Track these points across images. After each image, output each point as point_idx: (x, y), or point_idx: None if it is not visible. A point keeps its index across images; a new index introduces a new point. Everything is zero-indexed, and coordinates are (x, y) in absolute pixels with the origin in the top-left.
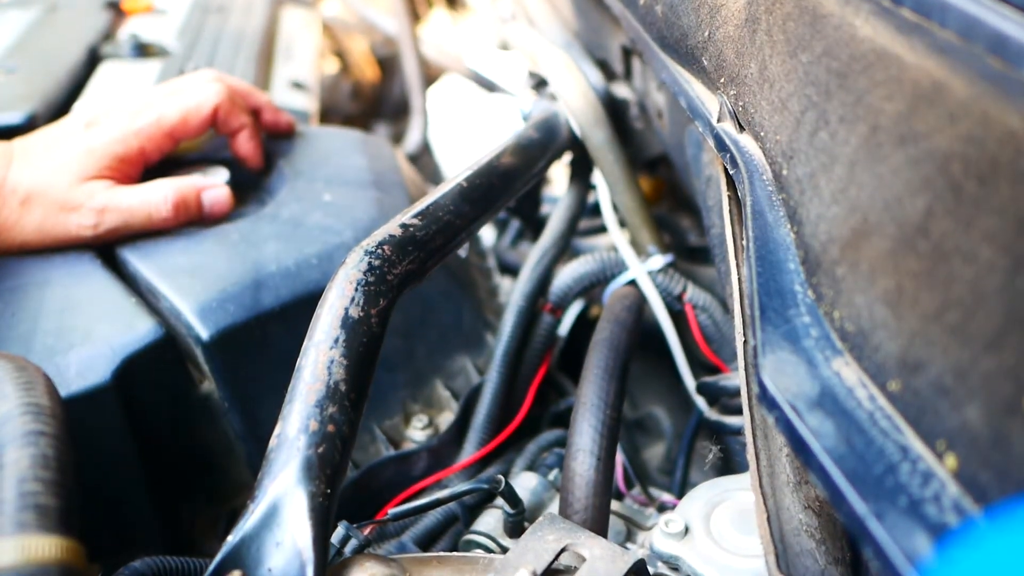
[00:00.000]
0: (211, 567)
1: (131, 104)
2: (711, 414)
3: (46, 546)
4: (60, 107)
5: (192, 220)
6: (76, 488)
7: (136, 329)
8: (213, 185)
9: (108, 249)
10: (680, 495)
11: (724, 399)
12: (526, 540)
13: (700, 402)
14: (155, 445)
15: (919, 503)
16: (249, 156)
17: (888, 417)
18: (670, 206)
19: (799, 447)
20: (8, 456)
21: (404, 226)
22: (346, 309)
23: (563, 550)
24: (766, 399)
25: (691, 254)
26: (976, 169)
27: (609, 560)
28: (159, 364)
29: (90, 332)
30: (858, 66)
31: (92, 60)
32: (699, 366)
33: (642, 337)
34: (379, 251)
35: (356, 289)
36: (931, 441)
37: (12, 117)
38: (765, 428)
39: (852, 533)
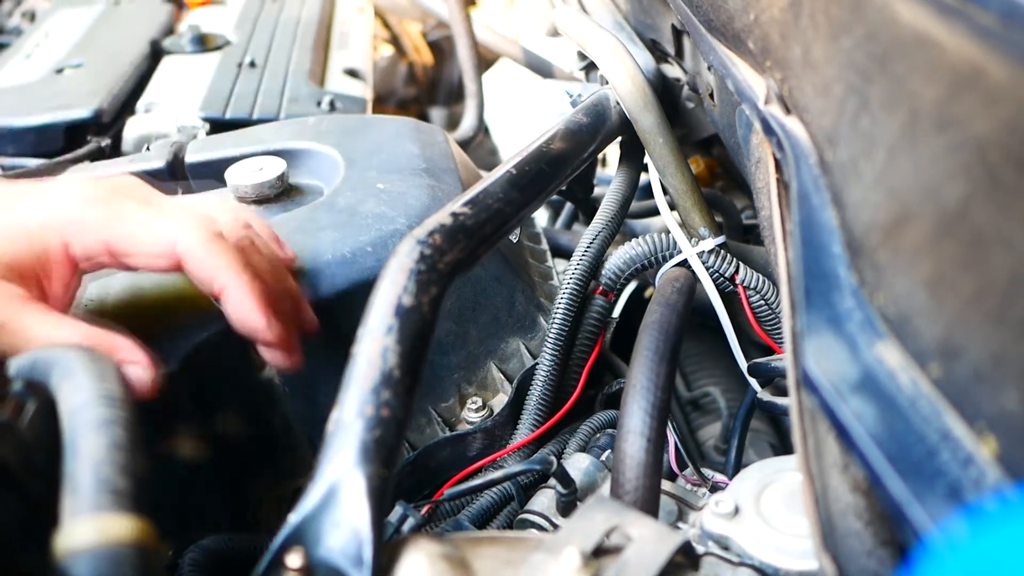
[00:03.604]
0: (274, 545)
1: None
2: (764, 394)
3: (121, 527)
4: (125, 101)
5: None
6: (147, 472)
7: (202, 318)
8: (132, 359)
9: None
10: (733, 475)
11: (777, 379)
12: (575, 520)
13: (753, 383)
14: (222, 428)
15: (959, 487)
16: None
17: (930, 402)
18: (724, 185)
19: (840, 430)
20: (84, 443)
21: (454, 215)
22: (399, 298)
23: (612, 530)
24: (808, 383)
25: (746, 233)
26: (1014, 155)
27: (656, 540)
28: (224, 351)
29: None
30: (898, 50)
31: (155, 54)
32: (753, 346)
33: (697, 317)
34: (430, 240)
35: (408, 278)
36: (972, 425)
37: (79, 112)
38: (812, 411)
39: (892, 516)
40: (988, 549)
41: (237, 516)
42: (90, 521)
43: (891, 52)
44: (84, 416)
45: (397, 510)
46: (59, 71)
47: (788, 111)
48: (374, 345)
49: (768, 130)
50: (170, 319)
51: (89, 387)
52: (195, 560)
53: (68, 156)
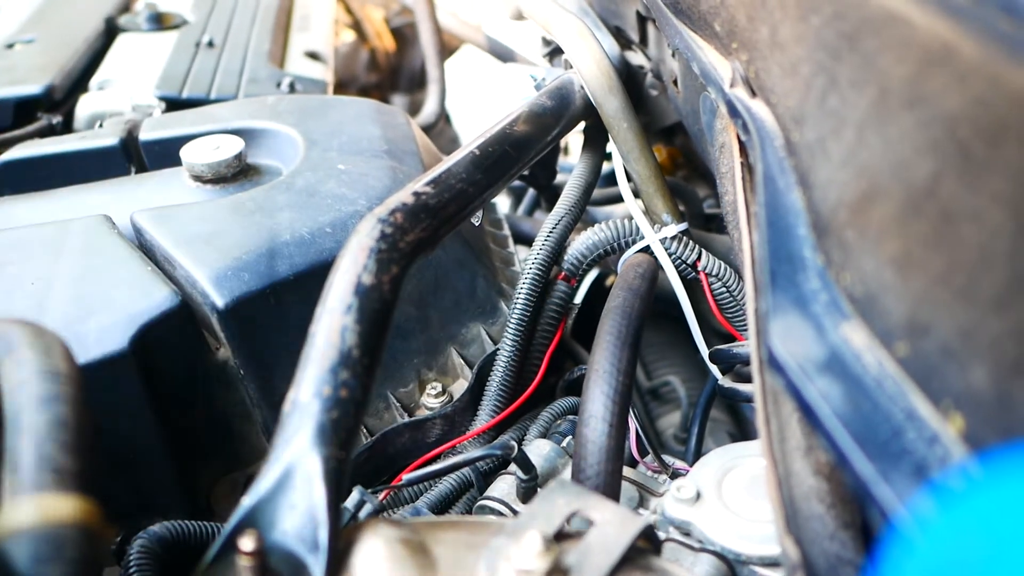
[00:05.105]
0: (227, 528)
1: None
2: (725, 382)
3: (63, 506)
4: (78, 78)
5: None
6: (93, 451)
7: (153, 297)
8: None
9: None
10: (694, 463)
11: (738, 367)
12: (537, 504)
13: (714, 369)
14: (173, 411)
15: (925, 466)
16: None
17: (895, 381)
18: (686, 174)
19: (807, 411)
20: (26, 420)
21: (416, 194)
22: (359, 276)
23: (573, 514)
24: (774, 364)
25: (707, 221)
26: (984, 131)
27: (618, 524)
28: (176, 331)
29: (108, 300)
30: (868, 28)
31: (110, 31)
32: (714, 334)
33: (659, 305)
34: (391, 219)
35: (368, 256)
36: (938, 404)
37: (30, 88)
38: (775, 394)
39: (859, 495)
40: (954, 526)
41: (191, 501)
42: (30, 500)
43: (861, 30)
44: (26, 392)
45: (354, 496)
46: (10, 46)
47: (754, 93)
48: (333, 324)
49: (733, 113)
50: (119, 299)
51: (33, 362)
52: (144, 546)
53: (17, 132)
